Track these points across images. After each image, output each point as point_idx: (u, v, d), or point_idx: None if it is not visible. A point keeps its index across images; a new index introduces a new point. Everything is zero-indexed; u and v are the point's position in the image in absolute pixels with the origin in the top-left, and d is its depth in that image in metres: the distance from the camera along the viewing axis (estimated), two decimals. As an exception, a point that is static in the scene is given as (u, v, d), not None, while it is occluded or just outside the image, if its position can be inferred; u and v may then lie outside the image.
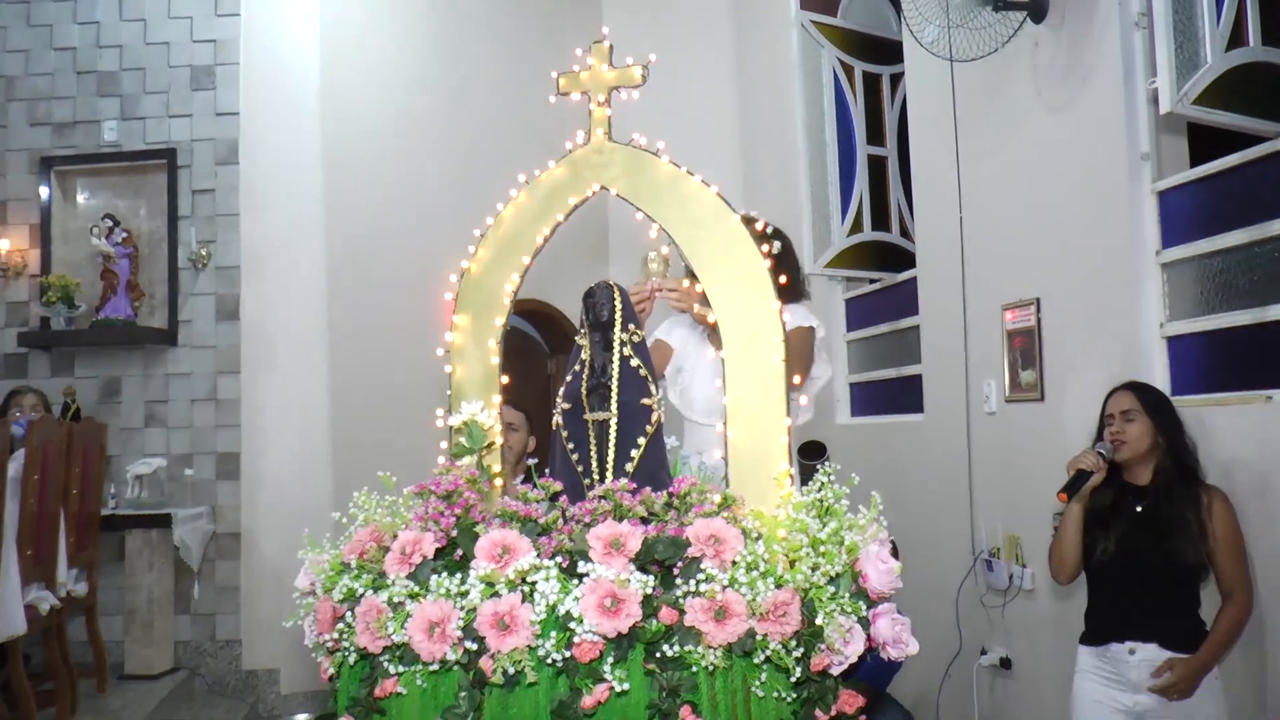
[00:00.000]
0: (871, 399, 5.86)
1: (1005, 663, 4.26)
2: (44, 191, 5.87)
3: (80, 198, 6.01)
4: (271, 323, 5.82)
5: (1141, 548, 2.96)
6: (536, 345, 7.86)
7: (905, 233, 5.78)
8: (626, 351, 2.06)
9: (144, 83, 5.91)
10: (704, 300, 2.37)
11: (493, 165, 6.34)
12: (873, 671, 3.77)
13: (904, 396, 5.38)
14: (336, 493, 5.64)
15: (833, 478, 1.90)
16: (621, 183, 2.13)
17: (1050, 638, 3.98)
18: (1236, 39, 2.98)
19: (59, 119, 5.95)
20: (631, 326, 2.09)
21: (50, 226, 5.87)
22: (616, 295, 2.11)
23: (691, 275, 2.82)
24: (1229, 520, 2.91)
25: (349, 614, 1.76)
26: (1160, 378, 3.48)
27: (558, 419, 2.12)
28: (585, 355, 2.13)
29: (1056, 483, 3.11)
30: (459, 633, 1.65)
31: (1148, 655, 2.93)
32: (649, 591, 1.65)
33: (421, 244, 6.27)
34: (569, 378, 2.14)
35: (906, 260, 5.60)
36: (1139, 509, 3.01)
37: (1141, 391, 3.11)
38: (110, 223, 5.76)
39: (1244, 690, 3.11)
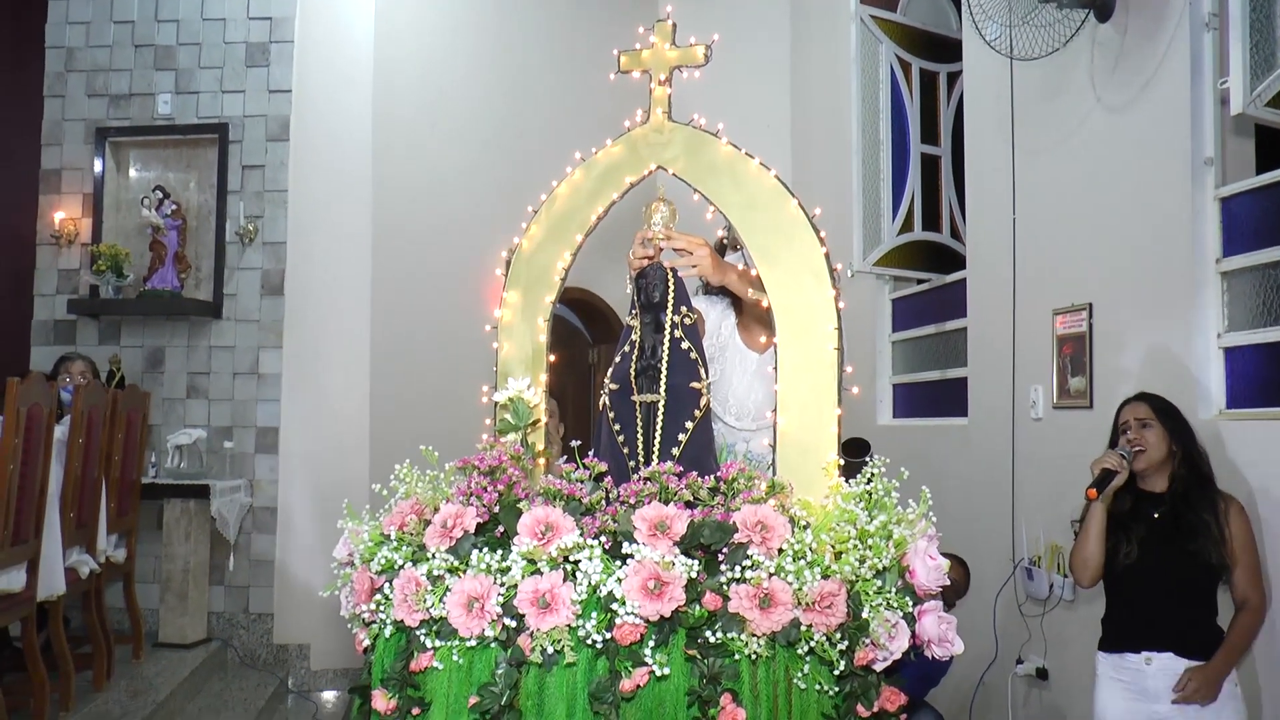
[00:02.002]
0: (914, 400, 5.78)
1: (1042, 673, 4.19)
2: (98, 162, 5.93)
3: (133, 169, 6.06)
4: (315, 299, 5.84)
5: (1163, 553, 2.97)
6: (579, 334, 7.84)
7: (955, 234, 5.70)
8: (678, 334, 2.03)
9: (199, 57, 5.95)
10: (716, 259, 2.28)
11: (545, 146, 6.36)
12: (914, 683, 3.71)
13: (948, 399, 5.30)
14: (373, 471, 5.65)
15: (883, 471, 1.87)
16: (680, 163, 2.10)
17: (1089, 649, 3.88)
18: (1314, 41, 2.89)
19: (115, 91, 6.00)
20: (684, 309, 2.06)
21: (103, 196, 5.91)
22: (670, 277, 2.08)
23: (727, 248, 2.74)
24: (1245, 526, 2.93)
25: (386, 586, 1.75)
26: (1216, 389, 3.40)
27: (605, 400, 2.09)
28: (635, 336, 2.11)
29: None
30: (498, 609, 1.63)
31: (1164, 664, 2.94)
32: (693, 575, 1.62)
33: (469, 225, 6.28)
34: (618, 358, 2.12)
35: (955, 262, 5.52)
36: (1156, 515, 3.03)
37: (1154, 400, 3.13)
38: (160, 195, 5.80)
39: (1264, 696, 3.05)
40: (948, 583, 1.79)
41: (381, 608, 1.74)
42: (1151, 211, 3.62)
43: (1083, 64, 4.00)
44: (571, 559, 1.65)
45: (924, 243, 5.67)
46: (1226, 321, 3.39)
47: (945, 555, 4.23)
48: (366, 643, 1.80)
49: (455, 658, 1.67)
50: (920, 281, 5.73)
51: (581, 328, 7.84)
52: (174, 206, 5.81)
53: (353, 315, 5.89)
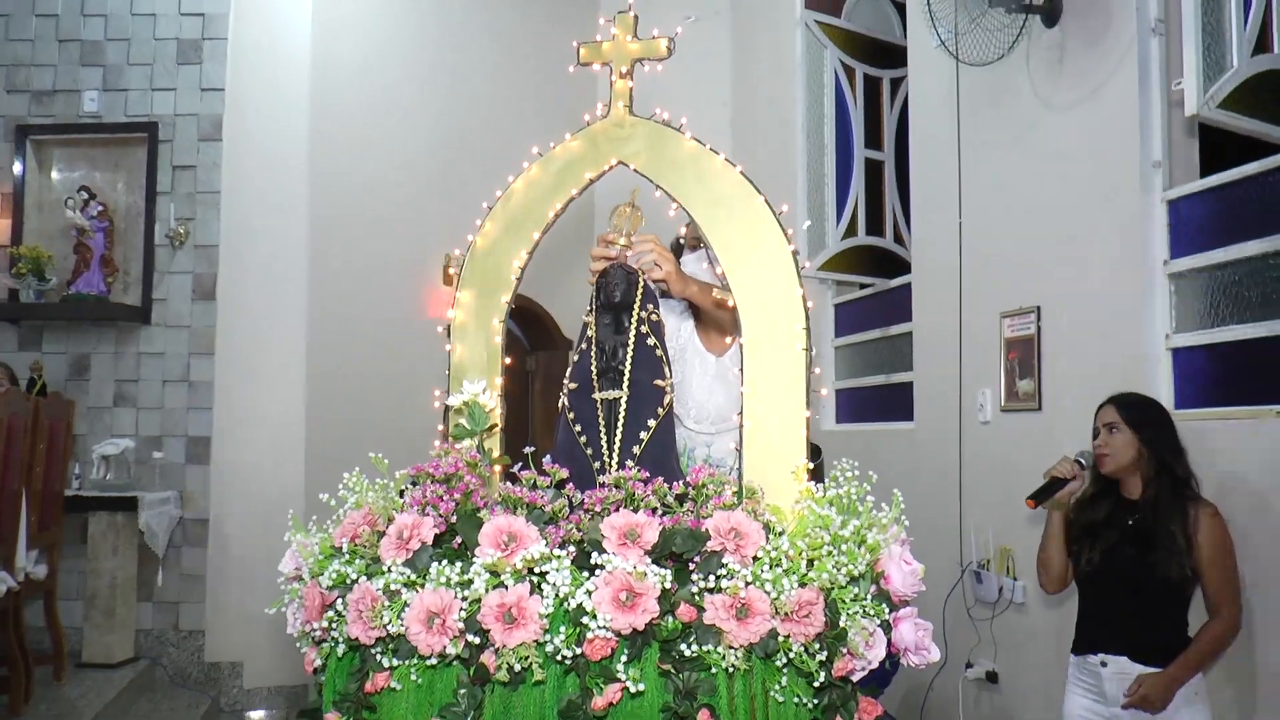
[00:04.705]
0: (859, 406, 5.78)
1: (992, 676, 4.19)
2: (18, 162, 5.68)
3: (56, 169, 5.83)
4: (249, 304, 5.67)
5: (1125, 560, 2.92)
6: (516, 341, 7.73)
7: (899, 239, 5.72)
8: (644, 330, 1.96)
9: (128, 54, 5.74)
10: (680, 273, 2.22)
11: (488, 143, 6.26)
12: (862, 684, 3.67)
13: (893, 404, 5.30)
14: (309, 482, 5.50)
15: (850, 474, 1.81)
16: (641, 158, 2.03)
17: (1040, 651, 3.91)
18: (1261, 45, 2.92)
19: (37, 87, 5.76)
20: (650, 307, 1.99)
21: (24, 197, 5.68)
22: (634, 278, 2.02)
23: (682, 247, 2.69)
24: (1216, 536, 2.84)
25: (339, 602, 1.64)
26: (1165, 390, 3.42)
27: (564, 400, 2.01)
28: (591, 333, 2.04)
29: (1052, 494, 3.08)
30: (460, 625, 1.54)
31: (1119, 668, 2.90)
32: (666, 586, 1.54)
33: (408, 227, 6.17)
34: (575, 357, 2.05)
35: (898, 267, 5.53)
36: (1130, 522, 2.96)
37: (1125, 404, 3.03)
38: (86, 195, 5.59)
39: (1231, 707, 3.06)
40: (924, 588, 1.74)
41: (334, 625, 1.63)
42: (1100, 214, 3.64)
43: (1030, 68, 4.02)
44: (538, 570, 1.56)
45: (868, 248, 5.67)
46: (1174, 323, 3.42)
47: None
48: (318, 663, 1.69)
49: (414, 677, 1.58)
50: (863, 286, 5.73)
51: (519, 334, 7.74)
52: (100, 208, 5.60)
53: (288, 321, 5.73)
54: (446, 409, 2.06)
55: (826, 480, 1.81)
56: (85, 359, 5.63)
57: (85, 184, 5.67)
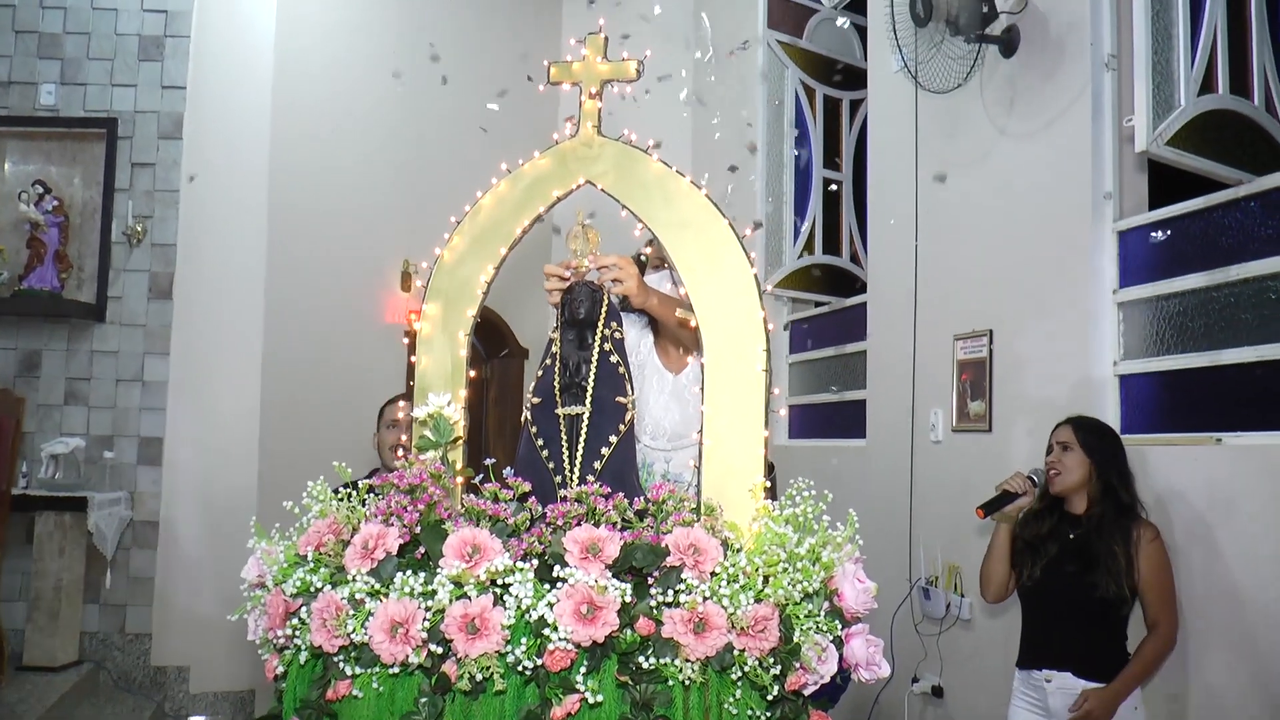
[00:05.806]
0: (811, 422, 5.86)
1: (937, 691, 4.27)
2: (-30, 153, 5.60)
3: (10, 161, 5.73)
4: (206, 305, 5.61)
5: (1065, 575, 3.01)
6: (472, 348, 7.71)
7: (855, 259, 5.81)
8: (607, 347, 2.01)
9: (88, 48, 5.67)
10: (641, 282, 2.27)
11: (445, 155, 6.28)
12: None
13: (846, 421, 5.38)
14: (261, 486, 5.46)
15: (807, 493, 1.86)
16: (609, 178, 2.07)
17: (984, 667, 3.99)
18: (1207, 85, 3.03)
19: (-9, 78, 5.68)
20: (614, 324, 2.03)
21: (-25, 189, 5.59)
22: (599, 294, 2.06)
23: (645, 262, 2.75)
24: (1156, 556, 2.94)
25: (303, 609, 1.66)
26: (1111, 415, 3.52)
27: (526, 414, 2.05)
28: (556, 349, 2.08)
29: (1001, 513, 3.17)
30: (424, 634, 1.57)
31: (1063, 684, 2.98)
32: (627, 600, 1.58)
33: (367, 231, 6.15)
34: (540, 372, 2.09)
35: (853, 286, 5.62)
36: (1072, 536, 3.06)
37: (1080, 426, 3.14)
38: (41, 189, 5.50)
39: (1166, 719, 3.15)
40: (876, 606, 1.79)
41: (297, 633, 1.65)
42: (1052, 242, 3.74)
43: (987, 97, 4.12)
44: (501, 582, 1.59)
45: (824, 266, 5.76)
46: (1122, 350, 3.52)
47: None
48: (279, 669, 1.70)
49: (376, 685, 1.60)
50: (818, 305, 5.81)
51: (475, 341, 7.73)
52: (55, 202, 5.51)
53: (244, 322, 5.68)
54: (413, 421, 2.08)
55: (781, 497, 1.86)
56: (36, 355, 5.55)
57: (40, 178, 5.59)
